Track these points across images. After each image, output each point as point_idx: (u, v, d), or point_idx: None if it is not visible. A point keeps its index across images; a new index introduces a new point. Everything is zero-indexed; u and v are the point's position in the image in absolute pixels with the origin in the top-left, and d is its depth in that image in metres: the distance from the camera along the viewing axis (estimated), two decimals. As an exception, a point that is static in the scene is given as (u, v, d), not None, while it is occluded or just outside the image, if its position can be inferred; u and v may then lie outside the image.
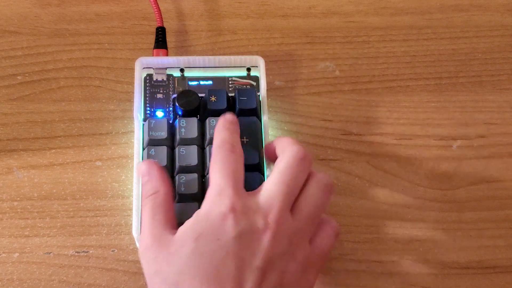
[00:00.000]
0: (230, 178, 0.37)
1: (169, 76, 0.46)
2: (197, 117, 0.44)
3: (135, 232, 0.41)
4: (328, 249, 0.38)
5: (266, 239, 0.35)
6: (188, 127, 0.43)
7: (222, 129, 0.40)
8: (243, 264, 0.34)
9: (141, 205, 0.39)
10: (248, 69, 0.47)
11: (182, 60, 0.47)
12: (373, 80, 0.50)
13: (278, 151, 0.40)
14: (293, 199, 0.37)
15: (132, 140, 0.46)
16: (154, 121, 0.43)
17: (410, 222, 0.45)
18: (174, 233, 0.36)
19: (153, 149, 0.42)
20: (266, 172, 0.42)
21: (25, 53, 0.50)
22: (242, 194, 0.37)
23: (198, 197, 0.40)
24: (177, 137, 0.43)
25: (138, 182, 0.42)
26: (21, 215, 0.44)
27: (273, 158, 0.40)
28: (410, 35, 0.53)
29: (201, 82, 0.46)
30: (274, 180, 0.37)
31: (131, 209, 0.44)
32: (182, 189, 0.41)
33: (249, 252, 0.35)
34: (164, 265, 0.35)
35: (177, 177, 0.42)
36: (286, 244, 0.36)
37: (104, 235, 0.44)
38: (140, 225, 0.39)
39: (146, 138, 0.43)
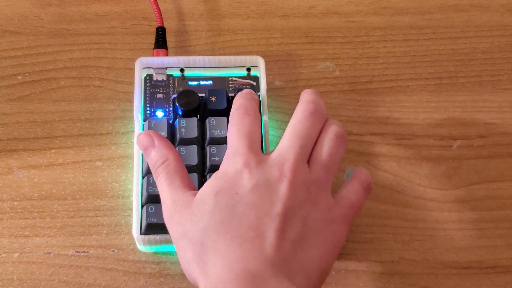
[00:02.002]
0: (245, 139, 0.38)
1: (169, 76, 0.47)
2: (197, 117, 0.44)
3: (135, 232, 0.41)
4: (356, 202, 0.38)
5: (283, 187, 0.35)
6: (188, 127, 0.43)
7: (239, 97, 0.41)
8: (263, 213, 0.35)
9: (154, 176, 0.39)
10: (248, 69, 0.47)
11: (182, 60, 0.47)
12: (373, 80, 0.50)
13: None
14: (308, 152, 0.38)
15: (132, 140, 0.46)
16: (154, 121, 0.43)
17: (410, 222, 0.45)
18: (195, 194, 0.37)
19: (153, 149, 0.42)
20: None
21: (25, 53, 0.50)
22: (256, 152, 0.37)
23: (198, 197, 0.40)
24: (177, 137, 0.43)
25: (138, 181, 0.42)
26: (21, 215, 0.44)
27: None
28: (410, 35, 0.53)
29: (201, 82, 0.46)
30: (286, 136, 0.38)
31: (131, 209, 0.44)
32: (182, 189, 0.41)
33: (268, 201, 0.35)
34: (187, 226, 0.35)
35: (177, 177, 0.42)
36: (305, 192, 0.36)
37: (104, 235, 0.44)
38: (159, 195, 0.38)
39: (146, 138, 0.43)
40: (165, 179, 0.38)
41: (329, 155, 0.38)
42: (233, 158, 0.37)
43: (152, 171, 0.39)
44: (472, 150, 0.48)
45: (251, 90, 0.42)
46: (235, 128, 0.39)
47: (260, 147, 0.38)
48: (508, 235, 0.45)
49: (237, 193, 0.35)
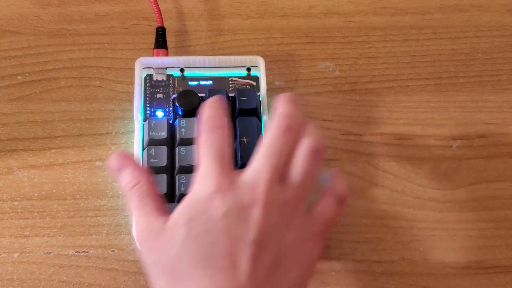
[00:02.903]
0: (215, 157, 0.36)
1: (169, 76, 0.47)
2: (197, 117, 0.44)
3: (135, 232, 0.41)
4: (331, 217, 0.37)
5: (256, 212, 0.34)
6: (188, 127, 0.43)
7: (205, 108, 0.39)
8: (236, 240, 0.34)
9: (127, 199, 0.38)
10: (248, 69, 0.47)
11: (182, 60, 0.47)
12: (373, 80, 0.50)
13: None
14: (281, 171, 0.37)
15: (132, 140, 0.46)
16: (154, 121, 0.43)
17: (410, 222, 0.45)
18: (166, 219, 0.36)
19: (153, 149, 0.42)
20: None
21: (25, 53, 0.50)
22: (227, 172, 0.36)
23: (198, 197, 0.40)
24: (177, 137, 0.43)
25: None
26: (21, 215, 0.44)
27: None
28: (410, 35, 0.53)
29: (201, 82, 0.46)
30: (260, 154, 0.37)
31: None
32: (182, 189, 0.41)
33: (241, 228, 0.34)
34: (160, 254, 0.35)
35: (177, 177, 0.42)
36: (278, 215, 0.35)
37: (104, 235, 0.44)
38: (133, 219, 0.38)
39: (146, 138, 0.43)
40: (137, 202, 0.37)
41: (304, 173, 0.37)
42: (204, 181, 0.36)
43: (124, 193, 0.38)
44: (472, 150, 0.48)
45: (219, 96, 0.39)
46: (204, 147, 0.37)
47: (231, 162, 0.37)
48: (508, 235, 0.45)
49: (208, 219, 0.34)
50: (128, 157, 0.38)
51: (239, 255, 0.33)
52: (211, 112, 0.38)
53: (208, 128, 0.37)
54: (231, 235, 0.34)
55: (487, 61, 0.52)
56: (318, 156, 0.38)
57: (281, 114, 0.38)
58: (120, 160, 0.38)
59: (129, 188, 0.37)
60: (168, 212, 0.37)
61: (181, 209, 0.36)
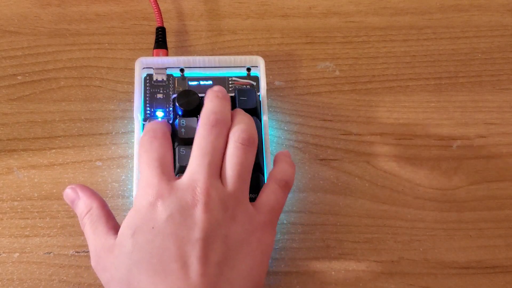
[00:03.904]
0: (155, 165, 0.37)
1: (169, 76, 0.47)
2: (197, 117, 0.44)
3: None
4: (276, 204, 0.38)
5: (198, 211, 0.35)
6: (188, 127, 0.43)
7: (147, 125, 0.40)
8: (182, 242, 0.34)
9: (81, 227, 0.39)
10: (248, 69, 0.47)
11: (182, 60, 0.47)
12: (373, 80, 0.50)
13: None
14: (217, 166, 0.37)
15: (132, 140, 0.46)
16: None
17: (410, 222, 0.45)
18: (116, 237, 0.36)
19: (153, 149, 0.42)
20: (266, 172, 0.42)
21: (25, 53, 0.50)
22: (168, 179, 0.36)
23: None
24: (177, 137, 0.43)
25: (137, 182, 0.42)
26: (21, 215, 0.44)
27: None
28: (410, 35, 0.53)
29: (201, 82, 0.46)
30: (193, 155, 0.37)
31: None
32: (182, 189, 0.41)
33: (185, 228, 0.34)
34: (113, 270, 0.35)
35: (177, 177, 0.42)
36: (222, 210, 0.35)
37: (104, 235, 0.44)
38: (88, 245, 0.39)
39: (146, 138, 0.43)
40: (89, 227, 0.38)
41: (239, 165, 0.37)
42: (145, 190, 0.36)
43: (80, 222, 0.39)
44: (472, 150, 0.48)
45: (163, 121, 0.41)
46: (143, 156, 0.38)
47: (172, 171, 0.38)
48: (508, 235, 0.45)
49: (153, 227, 0.35)
50: (80, 187, 0.39)
51: (188, 255, 0.34)
52: (151, 126, 0.40)
53: (148, 139, 0.38)
54: (177, 237, 0.34)
55: (487, 61, 0.52)
56: (250, 146, 0.38)
57: (207, 111, 0.39)
58: (73, 192, 0.39)
59: (83, 216, 0.38)
60: None
61: (126, 222, 0.36)
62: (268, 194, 0.38)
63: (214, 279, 0.34)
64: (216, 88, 0.41)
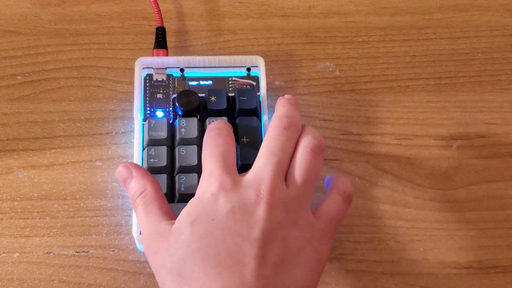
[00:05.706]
0: (219, 159, 0.37)
1: (169, 76, 0.47)
2: (197, 117, 0.44)
3: (135, 232, 0.41)
4: (337, 215, 0.37)
5: (260, 210, 0.35)
6: (188, 127, 0.43)
7: (212, 123, 0.40)
8: (241, 238, 0.34)
9: (133, 207, 0.39)
10: (248, 69, 0.47)
11: (182, 60, 0.47)
12: (373, 80, 0.50)
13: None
14: (284, 169, 0.37)
15: (132, 140, 0.46)
16: (154, 121, 0.43)
17: (410, 222, 0.45)
18: (173, 223, 0.36)
19: (153, 149, 0.42)
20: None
21: (25, 53, 0.50)
22: (231, 173, 0.36)
23: (198, 197, 0.40)
24: (177, 137, 0.43)
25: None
26: (21, 215, 0.44)
27: None
28: (410, 35, 0.53)
29: (201, 82, 0.46)
30: (261, 154, 0.37)
31: (131, 209, 0.44)
32: (182, 189, 0.41)
33: (245, 226, 0.34)
34: (165, 256, 0.35)
35: (177, 177, 0.42)
36: (283, 212, 0.35)
37: (104, 235, 0.44)
38: (139, 226, 0.39)
39: (146, 138, 0.43)
40: (143, 209, 0.37)
41: (306, 170, 0.37)
42: (208, 181, 0.36)
43: (132, 202, 0.39)
44: (472, 150, 0.48)
45: (225, 120, 0.41)
46: (208, 150, 0.38)
47: (235, 167, 0.37)
48: (508, 235, 0.45)
49: (213, 219, 0.35)
50: (134, 166, 0.39)
51: (244, 253, 0.34)
52: (216, 124, 0.40)
53: (213, 135, 0.38)
54: (235, 233, 0.34)
55: (487, 61, 0.52)
56: (320, 153, 0.38)
57: (280, 115, 0.39)
58: (126, 171, 0.39)
59: (135, 197, 0.38)
60: (174, 216, 0.37)
61: (186, 210, 0.36)
62: (329, 204, 0.38)
63: (268, 280, 0.33)
64: (288, 96, 0.41)
